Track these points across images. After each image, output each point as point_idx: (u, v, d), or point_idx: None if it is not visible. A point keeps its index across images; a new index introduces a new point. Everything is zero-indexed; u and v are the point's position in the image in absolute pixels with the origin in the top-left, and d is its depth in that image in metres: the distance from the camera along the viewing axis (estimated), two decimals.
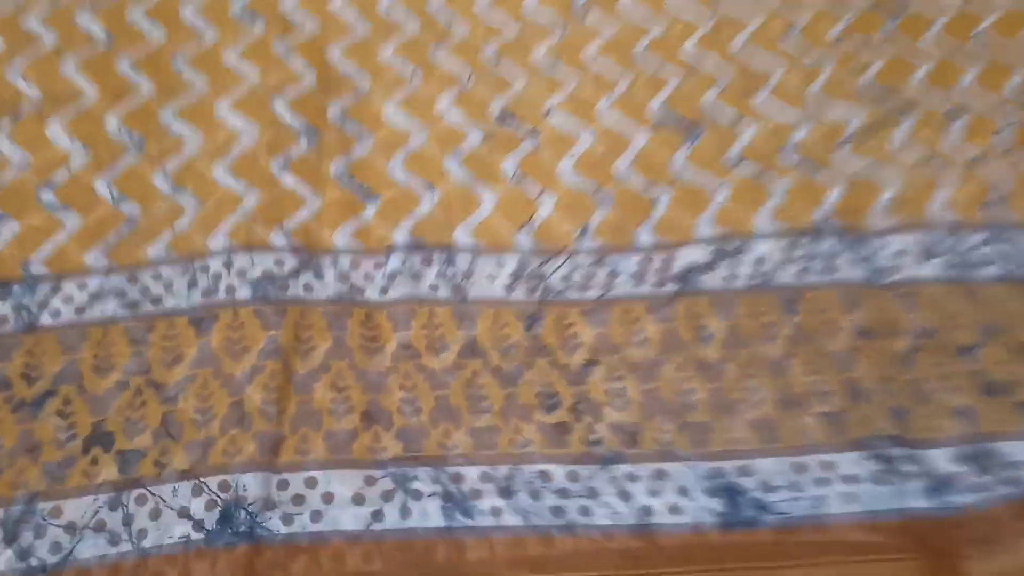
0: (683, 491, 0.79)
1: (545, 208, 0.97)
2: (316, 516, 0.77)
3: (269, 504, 0.77)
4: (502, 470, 0.80)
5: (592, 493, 0.79)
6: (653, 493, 0.79)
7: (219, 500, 0.77)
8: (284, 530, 0.76)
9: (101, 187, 0.96)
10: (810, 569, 0.75)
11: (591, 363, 0.86)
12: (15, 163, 0.96)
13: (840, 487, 0.79)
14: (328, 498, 0.78)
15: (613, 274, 0.92)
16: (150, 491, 0.77)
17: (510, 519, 0.78)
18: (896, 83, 1.05)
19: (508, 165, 1.00)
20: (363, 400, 0.83)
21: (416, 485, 0.79)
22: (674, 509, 0.78)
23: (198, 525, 0.76)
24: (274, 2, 1.12)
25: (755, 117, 1.03)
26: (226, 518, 0.76)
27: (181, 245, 0.92)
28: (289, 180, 0.97)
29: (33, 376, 0.83)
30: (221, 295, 0.88)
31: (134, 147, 0.99)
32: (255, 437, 0.80)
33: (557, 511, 0.78)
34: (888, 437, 0.81)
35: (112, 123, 1.00)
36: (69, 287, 0.88)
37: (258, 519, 0.76)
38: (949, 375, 0.85)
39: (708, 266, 0.92)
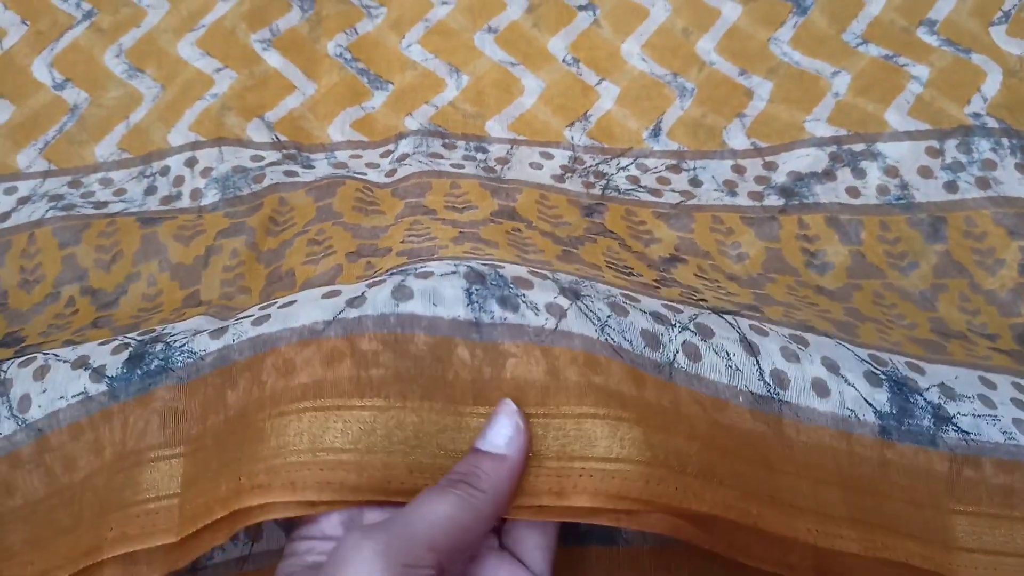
0: (833, 367, 0.50)
1: (605, 100, 0.74)
2: (261, 320, 0.47)
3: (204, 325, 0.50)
4: (565, 277, 0.50)
5: (703, 331, 0.49)
6: (791, 357, 0.49)
7: (133, 342, 0.49)
8: (213, 346, 0.47)
9: (40, 69, 0.75)
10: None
11: (674, 259, 0.62)
12: None
13: None
14: (287, 305, 0.48)
15: (695, 182, 0.69)
16: (42, 354, 0.51)
17: (576, 325, 0.46)
18: None
19: (557, 44, 0.77)
20: (351, 243, 0.57)
21: (427, 267, 0.49)
22: (819, 386, 0.48)
23: (97, 373, 0.48)
24: None
25: None
26: (136, 357, 0.48)
27: (136, 142, 0.71)
28: (275, 60, 0.75)
29: None
30: (185, 202, 0.67)
31: (83, 17, 0.78)
32: (208, 308, 0.55)
33: (650, 338, 0.47)
34: None
35: None
36: None
37: (177, 344, 0.48)
38: None
39: (823, 175, 0.69)
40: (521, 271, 0.48)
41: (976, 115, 0.71)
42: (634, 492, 0.41)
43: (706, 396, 0.47)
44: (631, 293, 0.51)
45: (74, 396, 0.48)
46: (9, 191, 0.69)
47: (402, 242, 0.55)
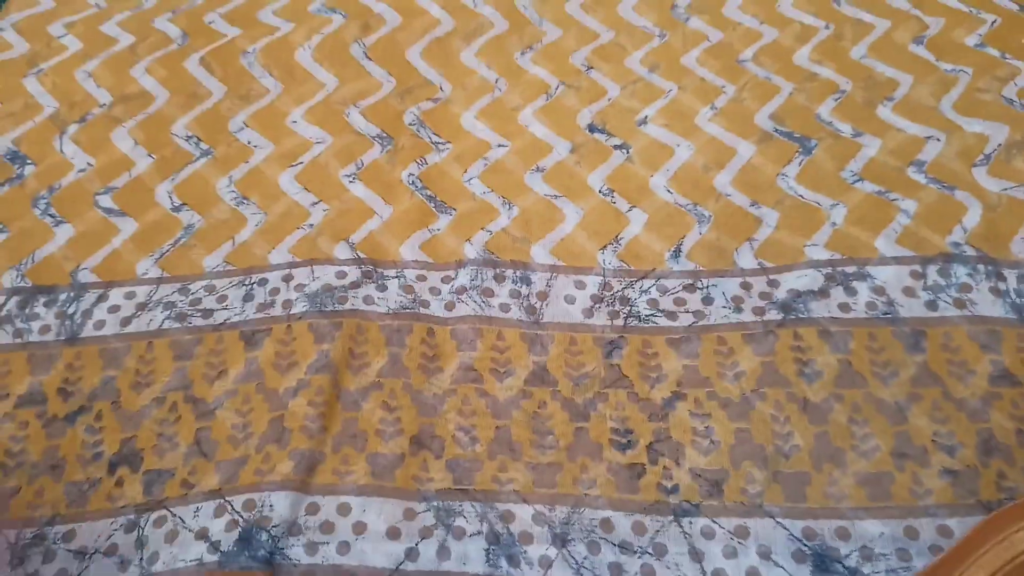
0: (765, 554, 0.66)
1: (635, 226, 0.87)
2: (343, 548, 0.68)
3: (295, 529, 0.68)
4: (560, 512, 0.69)
5: (659, 551, 0.67)
6: (730, 554, 0.67)
7: (241, 520, 0.69)
8: (306, 560, 0.67)
9: (162, 193, 0.92)
10: None
11: (675, 396, 0.75)
12: (77, 166, 0.94)
13: None
14: (360, 528, 0.69)
15: (708, 300, 0.81)
16: (171, 511, 0.70)
17: (560, 573, 0.67)
18: None
19: (595, 179, 0.91)
20: (415, 423, 0.75)
21: (460, 522, 0.69)
22: (751, 574, 0.66)
23: (214, 547, 0.68)
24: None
25: (879, 131, 0.92)
26: (245, 540, 0.68)
27: (239, 257, 0.87)
28: (359, 190, 0.91)
29: (70, 391, 0.78)
30: (277, 310, 0.82)
31: (200, 153, 0.95)
32: (291, 454, 0.72)
33: (615, 569, 0.67)
34: None
35: (179, 128, 0.97)
36: (116, 296, 0.84)
37: (280, 544, 0.68)
38: None
39: (819, 292, 0.80)
40: (527, 520, 0.70)
41: (956, 244, 0.82)
42: None
43: None
44: (610, 519, 0.70)
45: (192, 560, 0.68)
46: (129, 295, 0.84)
47: (452, 437, 0.75)
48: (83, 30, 1.09)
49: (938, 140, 0.90)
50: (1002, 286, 0.79)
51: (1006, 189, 0.85)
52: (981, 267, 0.80)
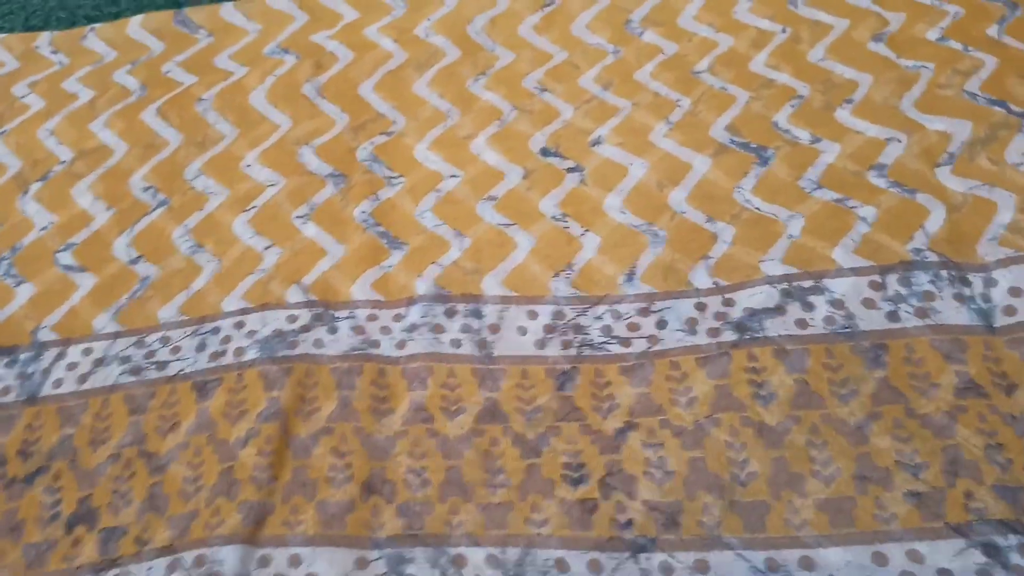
0: None
1: (587, 250, 0.85)
2: None
3: None
4: (512, 553, 0.68)
5: None
6: None
7: None
8: None
9: (119, 246, 0.92)
10: None
11: (628, 427, 0.73)
12: (38, 225, 0.95)
13: None
14: None
15: (661, 323, 0.79)
16: (126, 571, 0.70)
17: None
18: (1012, 90, 0.89)
19: (548, 204, 0.89)
20: (366, 468, 0.74)
21: (411, 569, 0.68)
22: None
23: None
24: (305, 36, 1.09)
25: (837, 135, 0.89)
26: None
27: (194, 306, 0.87)
28: (311, 231, 0.91)
29: (29, 452, 0.78)
30: (229, 358, 0.81)
31: (157, 203, 0.95)
32: (240, 507, 0.71)
33: None
34: (997, 522, 0.64)
35: (137, 179, 0.98)
36: (75, 353, 0.84)
37: None
38: None
39: (775, 310, 0.77)
40: (480, 564, 0.68)
41: (917, 250, 0.79)
42: None
43: None
44: (563, 558, 0.67)
45: None
46: (86, 351, 0.85)
47: (403, 481, 0.73)
48: (46, 88, 1.10)
49: (899, 141, 0.87)
50: (967, 291, 0.75)
51: (971, 188, 0.82)
52: (944, 273, 0.77)
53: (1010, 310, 0.74)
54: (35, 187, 0.99)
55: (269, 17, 1.15)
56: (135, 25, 1.17)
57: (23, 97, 1.09)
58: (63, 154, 1.02)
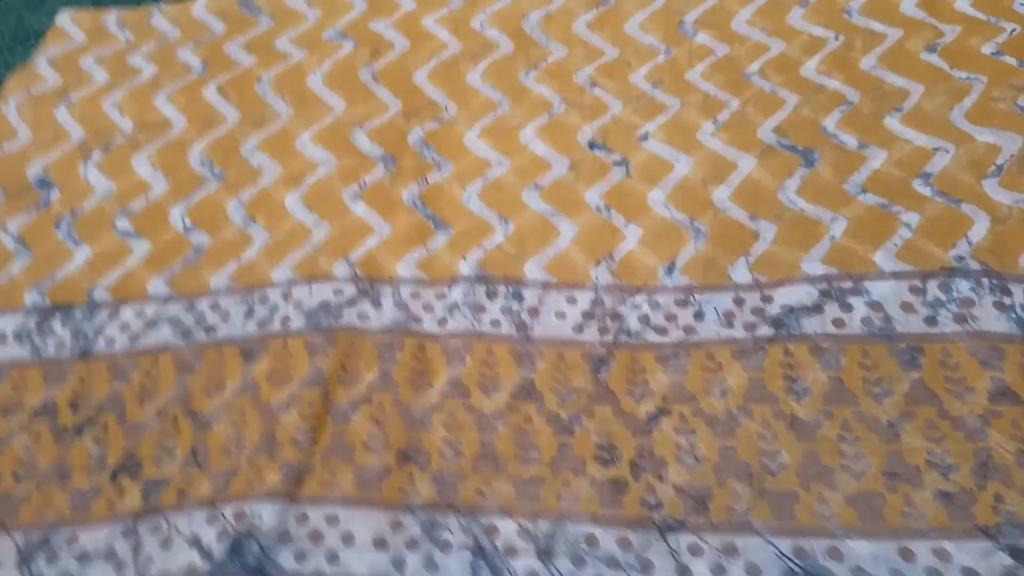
0: (754, 572, 0.65)
1: (630, 241, 0.86)
2: (332, 557, 0.69)
3: (284, 538, 0.70)
4: (543, 526, 0.69)
5: (644, 566, 0.66)
6: (717, 572, 0.65)
7: (232, 530, 0.71)
8: (294, 568, 0.69)
9: (175, 215, 0.95)
10: None
11: (660, 412, 0.74)
12: (99, 192, 0.98)
13: None
14: (348, 539, 0.70)
15: (699, 315, 0.80)
16: (167, 519, 0.73)
17: None
18: None
19: (593, 195, 0.91)
20: (402, 437, 0.76)
21: (445, 535, 0.70)
22: None
23: (206, 555, 0.70)
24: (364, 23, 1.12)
25: (885, 142, 0.89)
26: (236, 549, 0.70)
27: (244, 276, 0.89)
28: (360, 209, 0.93)
29: (80, 404, 0.81)
30: (276, 326, 0.84)
31: (213, 177, 0.98)
32: (281, 467, 0.74)
33: None
34: None
35: (195, 153, 1.01)
36: (127, 313, 0.87)
37: (269, 553, 0.70)
38: None
39: (813, 308, 0.78)
40: (511, 534, 0.69)
41: (960, 258, 0.79)
42: None
43: None
44: (594, 533, 0.69)
45: (184, 566, 0.71)
46: (139, 313, 0.87)
47: (438, 451, 0.75)
48: (111, 62, 1.14)
49: (947, 151, 0.87)
50: (1007, 300, 0.76)
51: (1017, 201, 0.82)
52: (985, 281, 0.77)
53: None
54: (97, 155, 1.02)
55: (329, 4, 1.18)
56: (200, 6, 1.21)
57: (90, 70, 1.13)
58: (125, 126, 1.05)
